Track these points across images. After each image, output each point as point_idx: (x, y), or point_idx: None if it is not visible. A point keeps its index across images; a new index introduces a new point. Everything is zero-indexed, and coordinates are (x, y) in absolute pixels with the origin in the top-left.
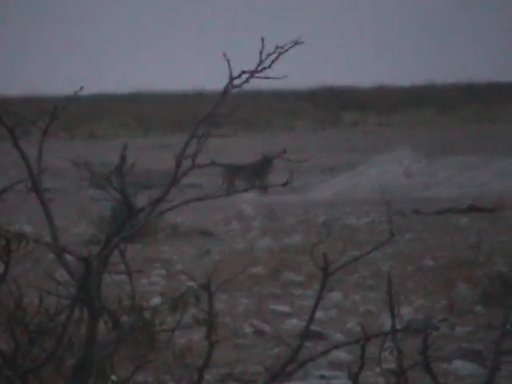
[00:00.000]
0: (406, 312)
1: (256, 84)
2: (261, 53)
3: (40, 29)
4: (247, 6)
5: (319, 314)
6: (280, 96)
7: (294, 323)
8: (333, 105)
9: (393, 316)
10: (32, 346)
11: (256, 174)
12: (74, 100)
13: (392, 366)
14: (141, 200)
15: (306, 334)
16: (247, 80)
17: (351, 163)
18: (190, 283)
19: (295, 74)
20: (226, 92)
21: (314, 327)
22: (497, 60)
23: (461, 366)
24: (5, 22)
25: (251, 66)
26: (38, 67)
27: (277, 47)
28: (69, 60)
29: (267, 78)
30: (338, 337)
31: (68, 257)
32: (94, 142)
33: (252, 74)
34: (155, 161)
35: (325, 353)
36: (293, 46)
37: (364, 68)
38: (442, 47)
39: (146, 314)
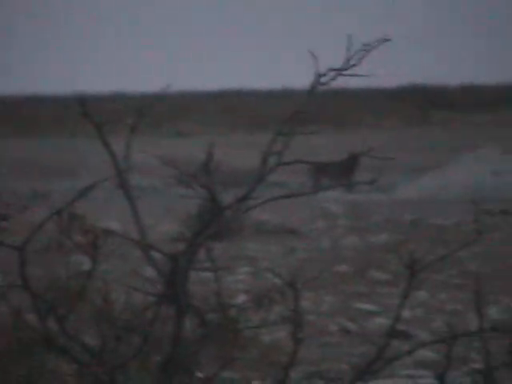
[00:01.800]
0: (493, 312)
1: (343, 82)
2: (348, 50)
3: (125, 26)
4: (334, 3)
5: (405, 313)
6: (367, 94)
7: (380, 322)
8: (421, 103)
9: (480, 316)
10: (119, 342)
11: (342, 172)
12: (161, 97)
13: (479, 365)
14: (227, 198)
15: (392, 333)
16: (334, 78)
17: (439, 162)
18: (276, 281)
19: (383, 71)
20: (312, 90)
21: (400, 326)
22: None
23: None
24: (88, 18)
25: (338, 63)
26: (125, 64)
27: (364, 44)
28: (155, 57)
29: (354, 75)
30: (425, 336)
31: (155, 254)
32: (180, 140)
33: (339, 71)
34: (242, 159)
35: (411, 352)
36: (380, 43)
37: (453, 66)
38: None
39: (232, 312)
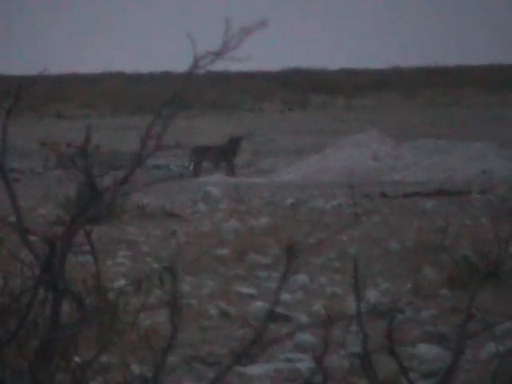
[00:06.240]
0: (371, 295)
1: (224, 65)
2: (225, 34)
3: (5, 8)
4: None
5: (285, 297)
6: (248, 77)
7: (260, 305)
8: (301, 87)
9: (358, 299)
10: None
11: (223, 155)
12: (39, 80)
13: (357, 349)
14: (108, 181)
15: (271, 316)
16: (212, 61)
17: (319, 146)
18: (156, 265)
19: (264, 55)
20: (190, 73)
21: (279, 310)
22: (462, 43)
23: (426, 350)
24: None
25: (219, 47)
26: (2, 46)
27: (241, 28)
28: (35, 39)
29: (232, 59)
30: (304, 319)
31: (33, 238)
32: (61, 122)
33: (217, 55)
34: (123, 141)
35: (289, 335)
36: (258, 27)
37: (332, 51)
38: (408, 31)
39: (111, 296)
